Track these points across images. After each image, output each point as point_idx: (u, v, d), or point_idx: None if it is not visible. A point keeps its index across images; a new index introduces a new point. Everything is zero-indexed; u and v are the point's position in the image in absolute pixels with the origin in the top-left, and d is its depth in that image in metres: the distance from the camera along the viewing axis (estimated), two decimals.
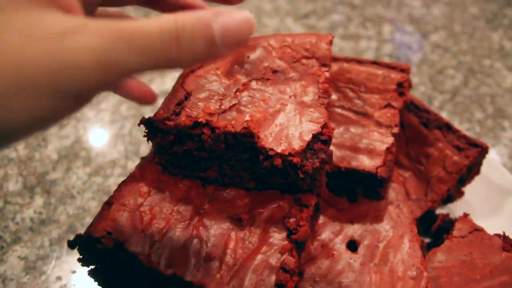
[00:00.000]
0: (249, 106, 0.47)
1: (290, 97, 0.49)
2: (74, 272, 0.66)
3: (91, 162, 0.83)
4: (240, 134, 0.44)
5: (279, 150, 0.43)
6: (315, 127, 0.45)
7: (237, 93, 0.48)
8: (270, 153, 0.43)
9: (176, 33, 0.32)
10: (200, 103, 0.47)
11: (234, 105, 0.47)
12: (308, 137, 0.44)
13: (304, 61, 0.53)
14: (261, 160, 0.44)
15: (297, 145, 0.43)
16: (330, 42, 0.55)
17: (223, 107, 0.46)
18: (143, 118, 0.47)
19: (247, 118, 0.45)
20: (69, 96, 0.29)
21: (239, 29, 0.36)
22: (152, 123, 0.46)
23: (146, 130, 0.47)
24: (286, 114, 0.47)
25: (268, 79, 0.51)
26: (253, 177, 0.47)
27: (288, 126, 0.45)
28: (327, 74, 0.51)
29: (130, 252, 0.41)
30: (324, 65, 0.52)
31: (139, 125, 0.47)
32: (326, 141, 0.45)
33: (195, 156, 0.47)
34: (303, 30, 1.21)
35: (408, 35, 1.22)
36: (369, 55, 1.12)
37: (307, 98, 0.49)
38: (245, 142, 0.44)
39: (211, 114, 0.45)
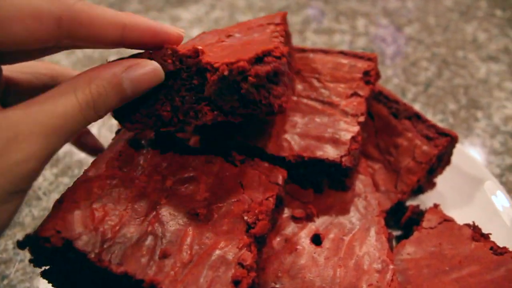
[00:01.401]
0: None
1: (245, 40, 0.48)
2: (38, 275, 0.63)
3: (58, 163, 0.81)
4: (185, 56, 0.42)
5: (225, 61, 0.41)
6: (266, 47, 0.42)
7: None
8: (216, 65, 0.40)
9: (92, 103, 0.37)
10: None
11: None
12: (258, 52, 0.41)
13: (259, 28, 0.51)
14: (208, 77, 0.41)
15: (245, 56, 0.41)
16: (284, 18, 0.54)
17: None
18: None
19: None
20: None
21: (148, 80, 0.41)
22: None
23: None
24: (241, 44, 0.46)
25: (223, 41, 0.49)
26: (208, 108, 0.44)
27: (238, 49, 0.44)
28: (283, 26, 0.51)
29: (79, 251, 0.39)
30: (278, 24, 0.52)
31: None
32: (279, 57, 0.42)
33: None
34: None
35: (382, 28, 1.21)
36: (343, 49, 1.11)
37: (261, 37, 0.47)
38: (191, 64, 0.42)
39: None
